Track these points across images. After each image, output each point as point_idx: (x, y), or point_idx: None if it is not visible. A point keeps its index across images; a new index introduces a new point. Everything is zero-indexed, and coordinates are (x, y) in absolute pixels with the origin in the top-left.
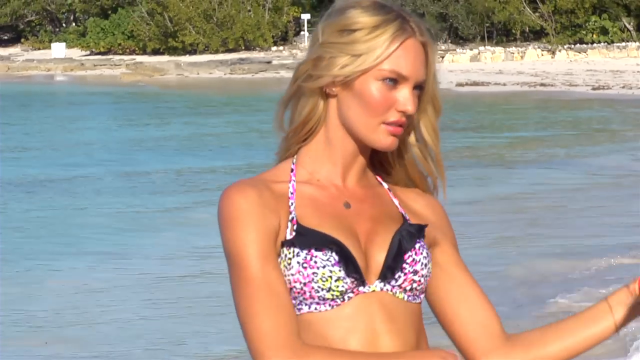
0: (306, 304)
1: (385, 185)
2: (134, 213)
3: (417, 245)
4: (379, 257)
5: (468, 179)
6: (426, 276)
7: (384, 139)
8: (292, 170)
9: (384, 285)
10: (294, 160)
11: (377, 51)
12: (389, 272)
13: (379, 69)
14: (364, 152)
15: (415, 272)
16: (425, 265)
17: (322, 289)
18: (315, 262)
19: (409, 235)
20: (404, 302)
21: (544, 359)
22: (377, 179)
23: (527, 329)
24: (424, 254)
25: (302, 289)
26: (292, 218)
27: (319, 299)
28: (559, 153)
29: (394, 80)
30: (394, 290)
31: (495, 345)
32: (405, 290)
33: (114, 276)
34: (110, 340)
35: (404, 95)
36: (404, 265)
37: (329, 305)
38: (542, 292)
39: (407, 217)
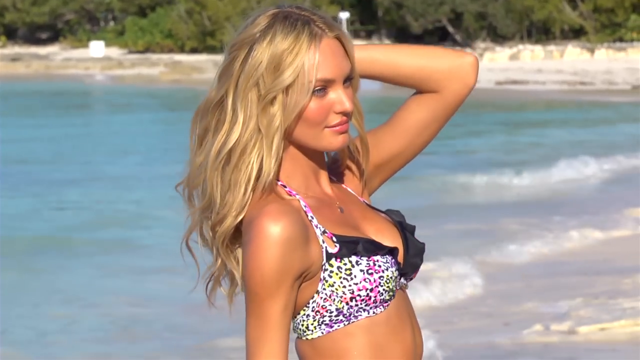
0: (366, 310)
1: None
2: None
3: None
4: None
5: None
6: None
7: (334, 141)
8: (285, 188)
9: (403, 281)
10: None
11: (306, 69)
12: (410, 269)
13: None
14: (322, 155)
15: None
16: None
17: (386, 291)
18: (380, 267)
19: (411, 228)
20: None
21: None
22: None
23: None
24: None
25: (367, 295)
26: (324, 231)
27: (380, 302)
28: None
29: (323, 89)
30: (405, 283)
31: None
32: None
33: None
34: None
35: (338, 97)
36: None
37: (383, 307)
38: None
39: (368, 203)
